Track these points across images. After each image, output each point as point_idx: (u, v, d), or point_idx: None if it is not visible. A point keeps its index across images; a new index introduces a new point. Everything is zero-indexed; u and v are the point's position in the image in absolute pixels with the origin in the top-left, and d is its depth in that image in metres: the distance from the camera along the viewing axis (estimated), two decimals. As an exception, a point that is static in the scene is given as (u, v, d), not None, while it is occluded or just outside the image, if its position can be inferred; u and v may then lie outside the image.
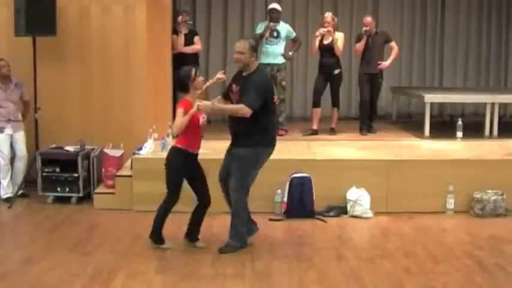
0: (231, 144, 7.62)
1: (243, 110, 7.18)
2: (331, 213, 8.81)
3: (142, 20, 10.09)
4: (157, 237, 7.49)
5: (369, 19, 11.89)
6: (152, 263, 6.97)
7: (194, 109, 7.12)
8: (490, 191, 9.05)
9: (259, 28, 11.58)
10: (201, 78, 7.31)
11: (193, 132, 7.31)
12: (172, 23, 11.13)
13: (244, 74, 7.46)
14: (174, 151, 7.42)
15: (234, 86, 7.48)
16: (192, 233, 7.63)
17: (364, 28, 11.75)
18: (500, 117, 11.98)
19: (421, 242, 7.83)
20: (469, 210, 9.08)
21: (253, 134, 7.33)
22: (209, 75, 13.65)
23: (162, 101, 10.71)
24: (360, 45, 11.83)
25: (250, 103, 7.18)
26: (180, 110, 7.14)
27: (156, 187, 8.85)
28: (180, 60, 11.07)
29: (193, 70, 7.28)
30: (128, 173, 9.23)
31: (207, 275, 6.65)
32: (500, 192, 9.06)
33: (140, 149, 9.37)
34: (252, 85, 7.27)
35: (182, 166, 7.39)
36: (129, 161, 9.44)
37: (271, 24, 11.42)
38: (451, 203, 9.02)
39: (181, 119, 7.11)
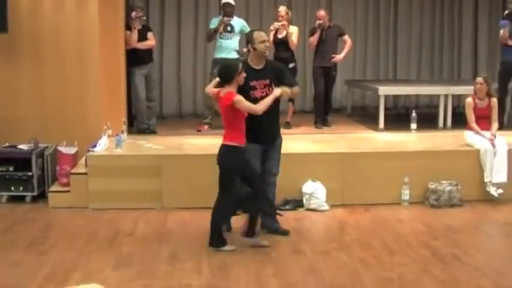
0: (267, 142, 7.65)
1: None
2: (287, 207, 8.82)
3: (95, 16, 9.99)
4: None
5: (322, 13, 11.93)
6: (108, 261, 6.91)
7: (277, 93, 7.29)
8: (444, 182, 9.13)
9: (213, 23, 11.54)
10: (244, 75, 7.27)
11: (243, 125, 7.31)
12: (125, 19, 11.04)
13: (258, 67, 7.55)
14: (232, 151, 7.28)
15: (254, 82, 7.45)
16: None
17: (317, 21, 11.78)
18: (454, 109, 12.11)
19: (377, 233, 7.88)
20: (424, 201, 9.16)
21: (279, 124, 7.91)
22: (163, 71, 13.67)
23: (116, 98, 10.64)
24: (314, 39, 11.86)
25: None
26: (239, 96, 7.15)
27: (111, 184, 8.88)
28: (134, 56, 11.03)
29: (240, 65, 7.30)
30: (83, 170, 9.14)
31: (164, 272, 6.62)
32: (455, 182, 9.15)
33: (94, 146, 9.29)
34: (284, 70, 7.76)
35: (242, 165, 7.31)
36: (83, 159, 9.36)
37: (226, 18, 11.39)
38: (406, 194, 9.09)
39: (265, 102, 7.24)
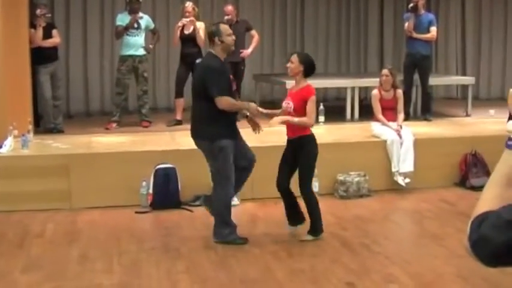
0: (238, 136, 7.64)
1: None
2: (198, 203, 8.78)
3: (-3, 14, 9.80)
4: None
5: (230, 8, 11.96)
6: (17, 264, 6.78)
7: None
8: (353, 173, 9.26)
9: (120, 19, 11.44)
10: None
11: None
12: (29, 17, 10.84)
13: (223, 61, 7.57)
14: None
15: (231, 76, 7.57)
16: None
17: (226, 17, 11.78)
18: (361, 101, 12.27)
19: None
20: (334, 192, 9.28)
21: None
22: (70, 68, 13.46)
23: (21, 97, 10.39)
24: (222, 34, 11.85)
25: None
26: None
27: (18, 185, 8.71)
28: (39, 55, 10.82)
29: None
30: (-12, 172, 8.96)
31: (74, 273, 6.54)
32: (363, 173, 9.29)
33: (0, 147, 9.10)
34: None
35: None
36: (-12, 160, 9.15)
37: (138, 15, 11.32)
38: (315, 186, 9.12)
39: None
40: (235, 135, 7.47)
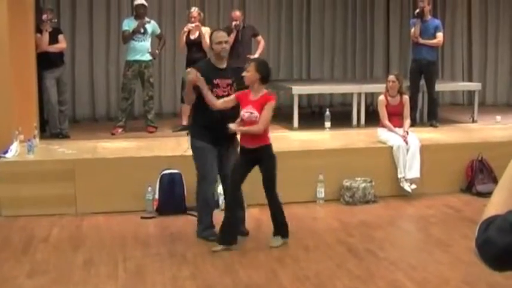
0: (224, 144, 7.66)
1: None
2: (203, 208, 8.78)
3: (4, 19, 9.76)
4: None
5: (238, 13, 11.95)
6: (22, 268, 6.77)
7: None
8: (358, 179, 9.24)
9: (126, 24, 11.44)
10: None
11: None
12: (35, 22, 10.85)
13: (221, 66, 7.60)
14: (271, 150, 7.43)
15: (218, 80, 7.50)
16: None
17: (234, 22, 11.77)
18: (367, 106, 12.25)
19: (293, 231, 7.82)
20: (339, 198, 9.26)
21: None
22: (75, 73, 13.47)
23: (28, 102, 10.40)
24: (230, 40, 11.83)
25: None
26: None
27: (23, 190, 8.71)
28: (45, 60, 10.84)
29: None
30: (-6, 177, 8.95)
31: (79, 278, 6.53)
32: (369, 179, 9.27)
33: (6, 152, 9.09)
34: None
35: None
36: (-6, 165, 9.15)
37: (146, 20, 11.34)
38: (321, 192, 9.16)
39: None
40: (214, 141, 7.54)
